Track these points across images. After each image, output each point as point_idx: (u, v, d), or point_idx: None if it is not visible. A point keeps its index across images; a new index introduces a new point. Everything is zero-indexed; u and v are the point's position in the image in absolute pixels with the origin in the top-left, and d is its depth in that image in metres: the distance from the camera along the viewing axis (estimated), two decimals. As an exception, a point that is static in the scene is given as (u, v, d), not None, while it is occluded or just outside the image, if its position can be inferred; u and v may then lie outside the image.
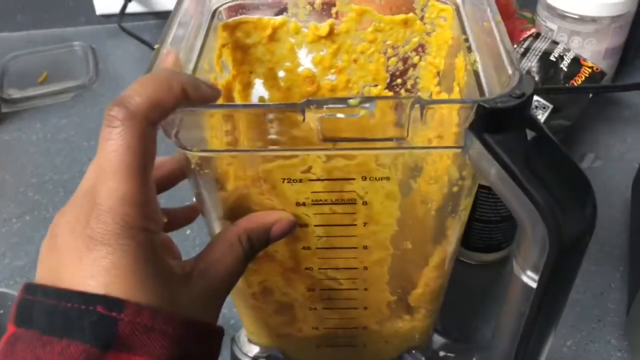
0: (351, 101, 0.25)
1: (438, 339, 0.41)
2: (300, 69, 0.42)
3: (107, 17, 0.90)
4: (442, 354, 0.41)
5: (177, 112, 0.26)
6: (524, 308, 0.30)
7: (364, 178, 0.29)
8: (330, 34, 0.40)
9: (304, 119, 0.26)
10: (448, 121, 0.26)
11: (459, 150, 0.27)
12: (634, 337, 0.47)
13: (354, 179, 0.29)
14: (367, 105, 0.25)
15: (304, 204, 0.31)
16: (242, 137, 0.27)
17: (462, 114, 0.26)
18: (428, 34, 0.39)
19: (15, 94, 0.77)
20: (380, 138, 0.27)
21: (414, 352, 0.41)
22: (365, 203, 0.30)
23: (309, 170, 0.29)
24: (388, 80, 0.41)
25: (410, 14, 0.39)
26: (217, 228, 0.33)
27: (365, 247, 0.33)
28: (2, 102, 0.75)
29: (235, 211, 0.31)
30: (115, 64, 0.83)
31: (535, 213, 0.26)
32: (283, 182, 0.29)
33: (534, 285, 0.28)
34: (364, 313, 0.38)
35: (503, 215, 0.50)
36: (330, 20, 0.40)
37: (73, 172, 0.66)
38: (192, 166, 0.29)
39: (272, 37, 0.40)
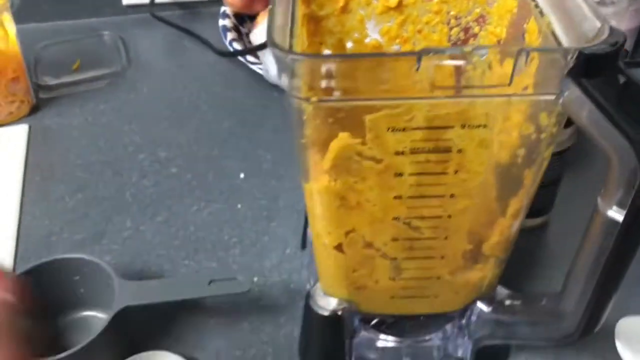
0: (466, 49, 0.28)
1: (501, 290, 0.44)
2: (367, 40, 0.44)
3: (133, 8, 0.92)
4: (507, 302, 0.43)
5: (295, 64, 0.29)
6: (606, 245, 0.33)
7: (463, 126, 0.32)
8: (399, 6, 0.43)
9: (418, 68, 0.29)
10: (547, 69, 0.29)
11: (552, 97, 0.30)
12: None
13: (452, 127, 0.32)
14: (481, 51, 0.28)
15: (402, 153, 0.33)
16: (357, 87, 0.30)
17: (563, 61, 0.28)
18: (489, 4, 0.42)
19: (50, 81, 0.78)
20: (485, 85, 0.30)
21: (479, 302, 0.44)
22: (459, 151, 0.33)
23: (412, 119, 0.32)
24: (450, 49, 0.44)
25: (475, -15, 0.42)
26: (314, 173, 0.35)
27: (452, 196, 0.36)
28: (39, 88, 0.77)
29: (337, 162, 0.34)
30: (145, 52, 0.85)
31: (627, 148, 0.29)
32: (387, 130, 0.32)
33: (620, 218, 0.31)
34: (440, 263, 0.40)
35: (543, 183, 0.53)
36: (401, -9, 0.42)
37: (118, 154, 0.68)
38: (304, 117, 0.32)
39: (344, 9, 0.43)
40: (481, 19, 0.43)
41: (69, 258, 0.49)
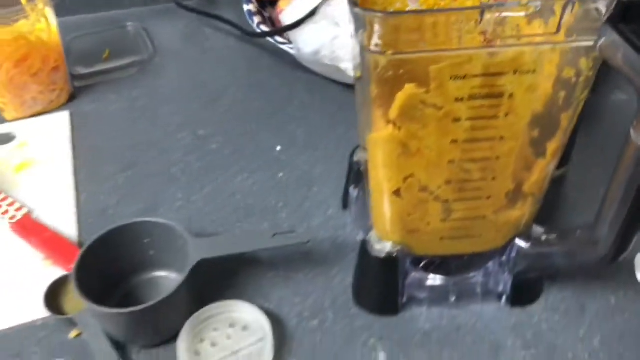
0: (522, 1, 0.33)
1: (537, 228, 0.50)
2: (407, 9, 0.49)
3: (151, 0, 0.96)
4: (544, 237, 0.49)
5: (374, 19, 0.34)
6: (637, 172, 0.39)
7: (515, 72, 0.37)
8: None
9: (481, 20, 0.34)
10: (588, 17, 0.34)
11: (591, 43, 0.36)
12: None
13: (506, 73, 0.37)
14: (536, 4, 0.33)
15: (461, 100, 0.39)
16: (425, 40, 0.35)
17: (604, 9, 0.34)
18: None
19: (83, 70, 0.83)
20: (536, 34, 0.35)
21: (517, 239, 0.49)
22: (510, 96, 0.39)
23: (472, 68, 0.37)
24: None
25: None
26: (379, 124, 0.40)
27: (501, 138, 0.41)
28: (74, 78, 0.81)
29: (403, 110, 0.39)
30: (168, 40, 0.90)
31: (659, 82, 0.34)
32: (450, 79, 0.37)
33: (651, 146, 0.37)
34: (486, 203, 0.46)
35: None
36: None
37: (160, 134, 0.73)
38: (378, 70, 0.37)
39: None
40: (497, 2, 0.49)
41: (140, 222, 0.54)
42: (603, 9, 0.34)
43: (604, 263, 0.45)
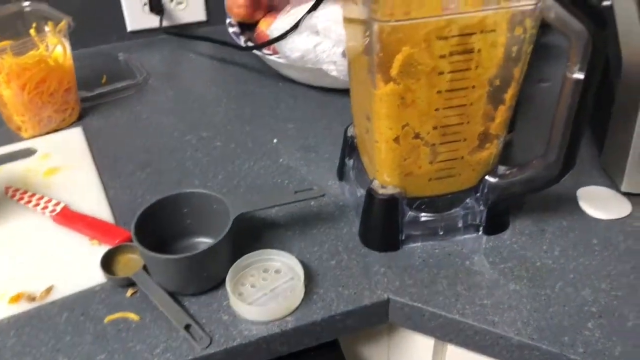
0: (485, -23, 0.48)
1: (501, 167, 0.64)
2: None
3: (135, 33, 1.08)
4: (507, 172, 0.63)
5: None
6: (573, 99, 0.53)
7: (481, 32, 0.51)
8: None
9: (456, -7, 0.48)
10: (529, -13, 0.49)
11: (533, 6, 0.51)
12: (608, 166, 0.72)
13: (475, 33, 0.51)
14: (494, -22, 0.48)
15: (444, 56, 0.52)
16: (417, 10, 0.49)
17: (538, -19, 0.49)
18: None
19: (86, 94, 0.92)
20: (494, 1, 0.49)
21: (487, 176, 0.63)
22: (479, 51, 0.53)
23: (450, 30, 0.51)
24: None
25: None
26: (381, 83, 0.54)
27: (473, 87, 0.55)
28: (80, 100, 0.91)
29: (402, 68, 0.52)
30: (159, 65, 1.01)
31: (583, 30, 0.49)
32: (436, 39, 0.51)
33: (581, 76, 0.52)
34: (463, 145, 0.59)
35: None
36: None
37: (167, 138, 0.83)
38: (384, 35, 0.50)
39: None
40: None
41: (178, 193, 0.64)
42: (538, -20, 0.49)
43: (556, 180, 0.59)
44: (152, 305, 0.58)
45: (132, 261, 0.63)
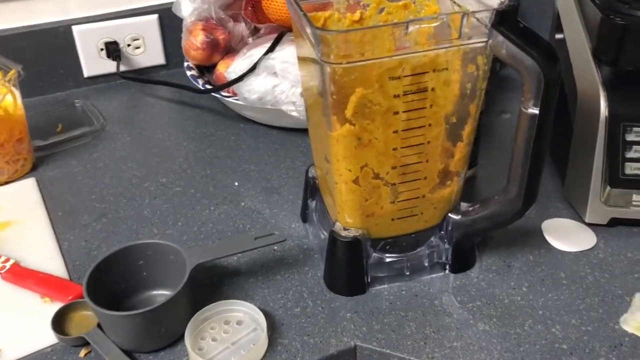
0: (434, 16, 0.47)
1: (463, 203, 0.63)
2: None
3: (92, 79, 1.06)
4: (470, 209, 0.62)
5: (332, 36, 0.46)
6: (530, 134, 0.53)
7: (434, 70, 0.51)
8: (360, 19, 0.62)
9: (406, 32, 0.47)
10: (479, 24, 0.49)
11: (484, 43, 0.50)
12: (571, 197, 0.72)
13: (427, 72, 0.51)
14: (443, 17, 0.47)
15: (398, 96, 0.52)
16: (369, 51, 0.48)
17: (488, 17, 0.49)
18: (419, 12, 0.63)
19: (40, 143, 0.90)
20: (445, 40, 0.49)
21: (450, 214, 0.62)
22: (432, 89, 0.52)
23: (403, 69, 0.50)
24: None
25: (408, 0, 0.62)
26: (337, 125, 0.52)
27: (429, 125, 0.54)
28: (33, 150, 0.88)
29: (356, 109, 0.51)
30: (116, 111, 0.99)
31: (535, 66, 0.49)
32: (389, 80, 0.50)
33: (536, 111, 0.51)
34: (424, 183, 0.58)
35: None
36: (360, 10, 0.62)
37: (125, 186, 0.81)
38: (336, 77, 0.49)
39: (324, 25, 0.61)
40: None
41: (132, 245, 0.61)
42: (487, 17, 0.49)
43: (519, 216, 0.58)
44: (107, 366, 0.55)
45: (87, 319, 0.60)
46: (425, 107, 0.53)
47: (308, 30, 0.49)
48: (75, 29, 1.01)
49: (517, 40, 0.49)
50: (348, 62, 0.49)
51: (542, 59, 0.49)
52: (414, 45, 0.49)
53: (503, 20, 0.49)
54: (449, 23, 0.49)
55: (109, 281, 0.60)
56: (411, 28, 0.47)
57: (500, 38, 0.49)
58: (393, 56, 0.49)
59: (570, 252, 0.66)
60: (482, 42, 0.50)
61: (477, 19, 0.49)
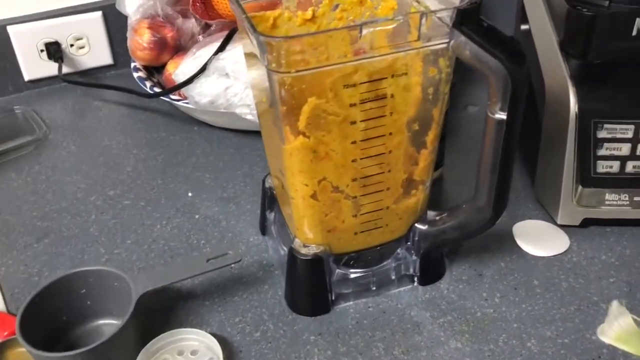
0: (389, 18, 0.43)
1: (430, 212, 0.59)
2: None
3: (34, 82, 0.99)
4: (437, 218, 0.58)
5: (278, 43, 0.41)
6: (498, 140, 0.49)
7: (392, 76, 0.46)
8: (313, 17, 0.57)
9: (360, 35, 0.43)
10: (439, 24, 0.45)
11: (445, 45, 0.46)
12: (542, 198, 0.68)
13: (385, 78, 0.46)
14: (399, 18, 0.43)
15: (355, 105, 0.47)
16: (321, 57, 0.44)
17: (449, 16, 0.44)
18: (375, 8, 0.58)
19: (-25, 156, 0.83)
20: (403, 42, 0.45)
21: (417, 224, 0.58)
22: (392, 96, 0.48)
23: (358, 76, 0.46)
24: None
25: (363, -4, 0.57)
26: (290, 137, 0.48)
27: (390, 134, 0.50)
28: (-32, 164, 0.81)
29: (310, 120, 0.47)
30: (60, 117, 0.92)
31: (500, 67, 0.45)
32: (344, 88, 0.46)
33: (504, 117, 0.47)
34: (387, 194, 0.54)
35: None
36: (312, 8, 0.57)
37: (69, 200, 0.75)
38: (285, 87, 0.45)
39: (273, 25, 0.56)
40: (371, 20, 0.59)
41: (72, 273, 0.56)
42: (448, 17, 0.45)
43: (489, 225, 0.55)
44: (47, 412, 0.50)
45: (26, 357, 0.54)
46: (385, 115, 0.49)
47: (251, 36, 0.44)
48: (11, 29, 0.94)
49: (480, 40, 0.45)
50: (297, 71, 0.44)
51: (507, 59, 0.45)
52: (370, 49, 0.44)
53: (465, 20, 0.45)
54: (408, 22, 0.44)
55: (47, 314, 0.54)
56: (365, 31, 0.43)
57: (463, 38, 0.45)
58: (346, 62, 0.45)
59: (543, 257, 0.63)
60: (443, 43, 0.46)
61: (438, 19, 0.45)
